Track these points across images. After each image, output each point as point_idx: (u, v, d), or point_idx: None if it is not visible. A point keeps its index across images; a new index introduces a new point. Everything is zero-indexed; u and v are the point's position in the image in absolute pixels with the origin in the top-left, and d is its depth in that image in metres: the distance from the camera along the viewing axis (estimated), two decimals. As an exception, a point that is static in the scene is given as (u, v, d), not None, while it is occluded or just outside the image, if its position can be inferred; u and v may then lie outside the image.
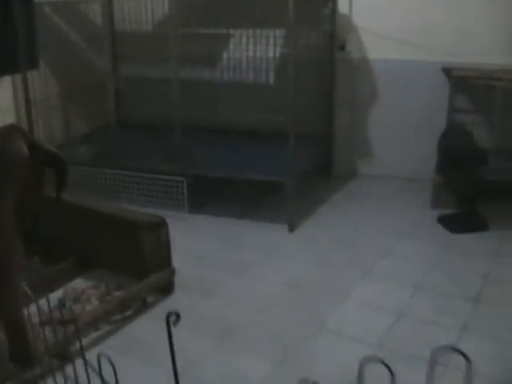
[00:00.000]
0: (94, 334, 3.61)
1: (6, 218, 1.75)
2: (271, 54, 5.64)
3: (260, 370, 3.18)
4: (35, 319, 3.11)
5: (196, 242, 4.81)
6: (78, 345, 2.95)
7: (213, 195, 5.68)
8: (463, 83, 5.40)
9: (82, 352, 2.33)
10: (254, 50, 5.66)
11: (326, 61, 5.84)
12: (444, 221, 5.01)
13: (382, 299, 3.93)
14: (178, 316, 1.15)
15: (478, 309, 3.79)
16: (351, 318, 3.74)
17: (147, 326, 3.70)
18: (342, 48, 5.80)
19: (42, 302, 2.72)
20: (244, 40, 5.67)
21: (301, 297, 4.02)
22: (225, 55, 5.79)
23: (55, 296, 3.84)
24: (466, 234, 4.82)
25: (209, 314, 3.82)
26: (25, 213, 2.05)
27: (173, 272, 4.10)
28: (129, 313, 3.83)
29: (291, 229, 4.98)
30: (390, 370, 1.04)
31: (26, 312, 2.82)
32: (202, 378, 3.14)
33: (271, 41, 5.57)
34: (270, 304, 3.94)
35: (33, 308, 2.86)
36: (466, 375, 1.00)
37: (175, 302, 3.98)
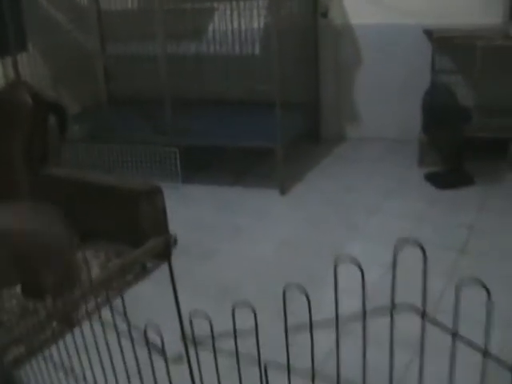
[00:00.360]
0: (97, 300, 3.74)
1: (16, 155, 1.87)
2: (255, 25, 5.75)
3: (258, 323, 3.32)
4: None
5: (191, 210, 4.94)
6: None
7: (205, 165, 5.81)
8: (445, 44, 5.51)
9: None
10: (238, 22, 5.76)
11: (310, 28, 5.94)
12: (431, 178, 5.15)
13: (372, 254, 4.07)
14: (175, 240, 1.28)
15: (465, 259, 3.94)
16: (343, 272, 3.88)
17: (149, 290, 3.84)
18: (325, 15, 5.89)
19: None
20: (228, 13, 5.77)
21: (294, 256, 4.16)
22: (210, 28, 5.90)
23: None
24: (452, 189, 4.97)
25: (206, 277, 3.97)
26: (34, 154, 2.18)
27: (170, 238, 4.23)
28: (129, 278, 3.97)
29: (282, 193, 5.12)
30: (360, 270, 1.18)
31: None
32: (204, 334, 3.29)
33: (255, 12, 5.67)
34: (265, 264, 4.08)
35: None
36: (423, 268, 1.14)
37: (174, 266, 4.11)
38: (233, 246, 4.37)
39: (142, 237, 4.16)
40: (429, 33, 5.56)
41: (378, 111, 6.08)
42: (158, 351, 1.37)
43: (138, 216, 4.24)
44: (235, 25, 5.75)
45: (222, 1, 5.73)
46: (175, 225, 4.31)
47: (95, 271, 4.01)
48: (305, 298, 1.28)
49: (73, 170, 4.66)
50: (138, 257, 4.04)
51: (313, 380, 1.27)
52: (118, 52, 6.27)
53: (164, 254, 4.20)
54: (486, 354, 1.01)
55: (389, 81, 5.96)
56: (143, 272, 4.07)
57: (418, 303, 1.30)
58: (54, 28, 5.96)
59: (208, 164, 5.82)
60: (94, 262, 4.13)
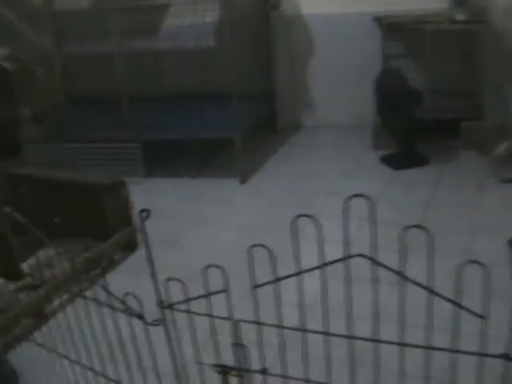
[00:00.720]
0: (68, 293, 3.82)
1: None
2: (209, 19, 5.84)
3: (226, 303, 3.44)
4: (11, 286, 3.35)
5: (155, 203, 5.02)
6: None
7: (167, 158, 5.90)
8: (394, 30, 5.68)
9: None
10: (192, 17, 5.84)
11: (262, 20, 6.06)
12: (386, 160, 5.32)
13: (332, 233, 4.20)
14: (148, 212, 1.39)
15: (422, 234, 4.08)
16: (305, 252, 4.01)
17: (118, 280, 3.92)
18: (276, 6, 6.02)
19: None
20: (182, 8, 5.85)
21: (258, 240, 4.27)
22: (165, 24, 5.96)
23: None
24: (407, 170, 5.14)
25: (174, 263, 4.06)
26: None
27: (135, 228, 4.33)
28: (98, 271, 4.05)
29: (243, 181, 5.25)
30: (318, 223, 1.30)
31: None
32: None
33: (208, 6, 5.76)
34: (230, 249, 4.19)
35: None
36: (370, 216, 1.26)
37: (141, 256, 4.20)
38: (197, 232, 4.49)
39: (107, 230, 4.27)
40: (378, 20, 5.71)
41: (333, 99, 6.23)
42: (137, 316, 1.48)
43: (103, 210, 4.33)
44: (190, 19, 5.83)
45: (176, -4, 5.81)
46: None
47: (64, 266, 4.07)
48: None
49: (36, 169, 4.73)
50: (106, 250, 4.14)
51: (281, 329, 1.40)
52: (74, 51, 6.31)
53: (131, 245, 4.32)
54: (430, 291, 1.14)
55: (342, 68, 6.11)
56: (111, 264, 4.16)
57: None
58: (10, 30, 5.98)
59: (170, 157, 5.91)
60: (62, 257, 4.19)
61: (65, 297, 3.82)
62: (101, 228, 4.31)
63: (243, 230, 4.44)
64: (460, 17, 5.45)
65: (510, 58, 5.58)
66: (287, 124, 6.40)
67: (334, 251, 3.83)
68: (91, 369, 1.81)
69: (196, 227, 4.58)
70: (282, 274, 1.84)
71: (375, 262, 1.23)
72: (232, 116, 5.15)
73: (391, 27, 5.63)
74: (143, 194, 5.14)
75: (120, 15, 5.37)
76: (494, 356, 1.24)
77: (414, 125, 5.26)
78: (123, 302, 1.47)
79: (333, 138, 6.04)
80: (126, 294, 1.49)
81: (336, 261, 1.34)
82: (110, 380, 1.77)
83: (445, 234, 4.03)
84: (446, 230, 4.10)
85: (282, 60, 6.26)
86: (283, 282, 1.58)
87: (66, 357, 1.89)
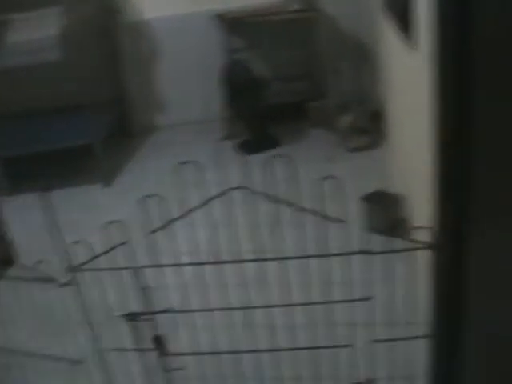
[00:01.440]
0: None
1: None
2: (53, 32, 5.89)
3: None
4: None
5: (22, 218, 5.06)
6: None
7: (33, 173, 5.90)
8: (235, 24, 6.00)
9: None
10: (37, 31, 5.87)
11: (108, 27, 6.20)
12: (241, 147, 5.65)
13: (203, 217, 4.43)
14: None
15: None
16: (181, 237, 4.21)
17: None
18: (118, 12, 6.18)
19: None
20: (25, 22, 5.87)
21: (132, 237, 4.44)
22: (10, 40, 5.95)
23: None
24: (261, 153, 5.45)
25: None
26: None
27: (10, 244, 4.40)
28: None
29: (107, 185, 5.47)
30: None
31: None
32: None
33: (50, 19, 5.81)
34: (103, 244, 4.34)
35: None
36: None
37: (19, 270, 4.28)
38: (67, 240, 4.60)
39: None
40: (220, 16, 6.01)
41: (184, 97, 6.46)
42: (49, 279, 1.66)
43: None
44: (34, 33, 5.86)
45: (17, 12, 5.82)
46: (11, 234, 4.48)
47: None
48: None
49: None
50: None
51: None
52: None
53: (7, 261, 4.37)
54: (299, 208, 1.39)
55: (189, 67, 6.35)
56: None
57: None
58: None
59: (35, 172, 5.91)
60: None
61: None
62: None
63: (114, 231, 4.57)
64: (293, 7, 5.84)
65: (341, 42, 6.05)
66: (143, 126, 6.57)
67: (206, 233, 4.03)
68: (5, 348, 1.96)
69: (66, 234, 4.67)
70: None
71: (253, 192, 1.47)
72: (88, 124, 5.29)
73: (232, 22, 5.94)
74: (10, 211, 5.15)
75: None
76: (354, 253, 1.52)
77: (263, 111, 5.60)
78: (35, 269, 1.64)
79: (188, 135, 6.28)
80: (39, 261, 1.66)
81: (219, 195, 1.58)
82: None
83: (303, 202, 4.35)
84: (304, 198, 4.43)
85: (130, 65, 6.42)
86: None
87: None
